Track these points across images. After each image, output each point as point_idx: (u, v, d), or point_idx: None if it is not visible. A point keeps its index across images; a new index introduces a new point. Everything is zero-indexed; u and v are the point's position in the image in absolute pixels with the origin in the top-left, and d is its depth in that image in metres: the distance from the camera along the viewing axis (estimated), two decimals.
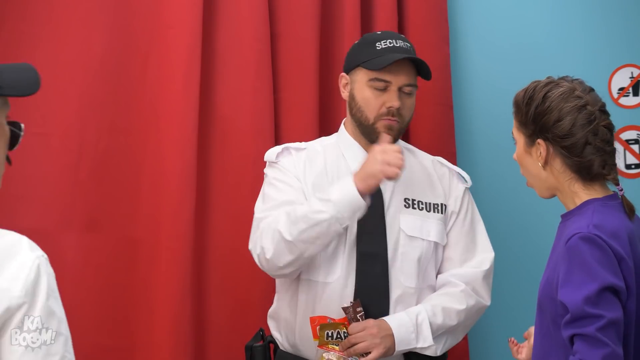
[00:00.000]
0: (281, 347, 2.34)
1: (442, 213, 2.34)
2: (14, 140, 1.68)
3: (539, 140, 1.89)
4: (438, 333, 2.25)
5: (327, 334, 2.21)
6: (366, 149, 2.31)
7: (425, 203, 2.32)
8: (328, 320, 2.22)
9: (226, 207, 2.71)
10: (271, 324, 2.38)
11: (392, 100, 2.27)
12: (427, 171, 2.38)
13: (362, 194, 2.12)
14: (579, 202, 1.89)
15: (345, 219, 2.13)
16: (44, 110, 2.64)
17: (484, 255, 2.41)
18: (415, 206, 2.31)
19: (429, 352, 2.24)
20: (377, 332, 2.17)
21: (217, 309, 2.83)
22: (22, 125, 1.74)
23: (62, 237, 2.58)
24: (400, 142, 2.42)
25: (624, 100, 3.09)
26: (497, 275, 3.17)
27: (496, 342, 3.08)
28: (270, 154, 2.39)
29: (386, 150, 2.15)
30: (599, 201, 1.86)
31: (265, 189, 2.34)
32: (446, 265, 2.37)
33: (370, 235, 2.27)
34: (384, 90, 2.28)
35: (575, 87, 1.90)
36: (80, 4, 2.68)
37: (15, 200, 2.61)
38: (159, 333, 2.65)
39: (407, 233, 2.29)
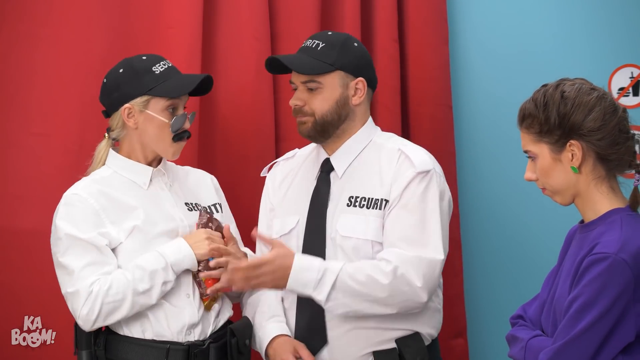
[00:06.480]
0: None
1: (381, 209, 2.22)
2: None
3: (572, 141, 1.85)
4: (346, 294, 2.13)
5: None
6: (323, 147, 2.36)
7: (368, 199, 2.25)
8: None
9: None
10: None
11: (293, 98, 2.31)
12: (382, 166, 2.27)
13: None
14: (600, 209, 1.87)
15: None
16: (44, 110, 2.65)
17: (431, 252, 2.17)
18: (357, 204, 2.25)
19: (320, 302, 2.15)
20: (270, 271, 2.12)
21: None
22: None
23: None
24: (380, 135, 2.36)
25: (624, 100, 3.09)
26: (498, 274, 3.19)
27: (496, 342, 3.08)
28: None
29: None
30: (624, 211, 1.85)
31: None
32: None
33: (312, 236, 2.28)
34: (295, 90, 2.33)
35: (583, 81, 1.90)
36: (80, 4, 2.69)
37: (15, 200, 2.61)
38: None
39: (340, 233, 2.24)
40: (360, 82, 2.30)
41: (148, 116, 2.23)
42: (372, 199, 2.24)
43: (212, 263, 2.24)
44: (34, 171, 2.63)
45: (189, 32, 2.74)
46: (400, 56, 3.03)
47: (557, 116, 1.85)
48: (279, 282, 2.12)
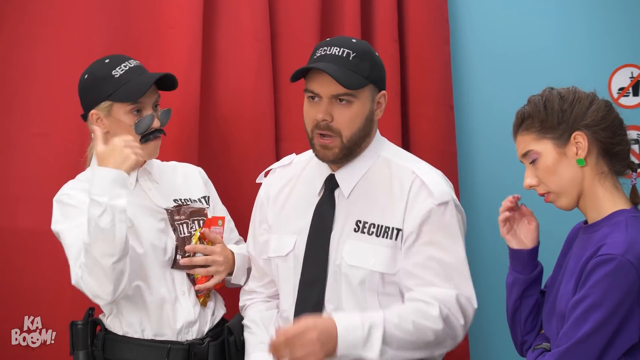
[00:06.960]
0: None
1: (393, 239, 2.07)
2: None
3: (577, 133, 1.86)
4: (394, 346, 1.97)
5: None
6: (331, 168, 2.17)
7: (378, 226, 2.09)
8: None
9: (227, 207, 2.71)
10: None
11: (319, 111, 2.07)
12: (394, 188, 2.11)
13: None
14: (604, 207, 1.87)
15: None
16: (45, 110, 2.65)
17: (467, 288, 2.08)
18: (366, 230, 2.09)
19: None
20: (316, 338, 1.90)
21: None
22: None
23: None
24: (388, 149, 2.21)
25: (624, 100, 3.09)
26: (497, 275, 3.19)
27: (496, 342, 3.09)
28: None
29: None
30: (628, 212, 1.86)
31: None
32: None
33: (313, 262, 2.13)
34: (315, 100, 2.10)
35: (573, 86, 1.94)
36: (80, 4, 2.69)
37: (15, 200, 2.61)
38: None
39: (347, 262, 2.08)
40: (383, 96, 2.14)
41: (114, 120, 2.22)
42: (383, 226, 2.09)
43: (198, 260, 2.25)
44: (34, 171, 2.63)
45: (189, 32, 2.74)
46: (400, 56, 3.04)
47: (559, 111, 1.88)
48: (327, 346, 1.91)
